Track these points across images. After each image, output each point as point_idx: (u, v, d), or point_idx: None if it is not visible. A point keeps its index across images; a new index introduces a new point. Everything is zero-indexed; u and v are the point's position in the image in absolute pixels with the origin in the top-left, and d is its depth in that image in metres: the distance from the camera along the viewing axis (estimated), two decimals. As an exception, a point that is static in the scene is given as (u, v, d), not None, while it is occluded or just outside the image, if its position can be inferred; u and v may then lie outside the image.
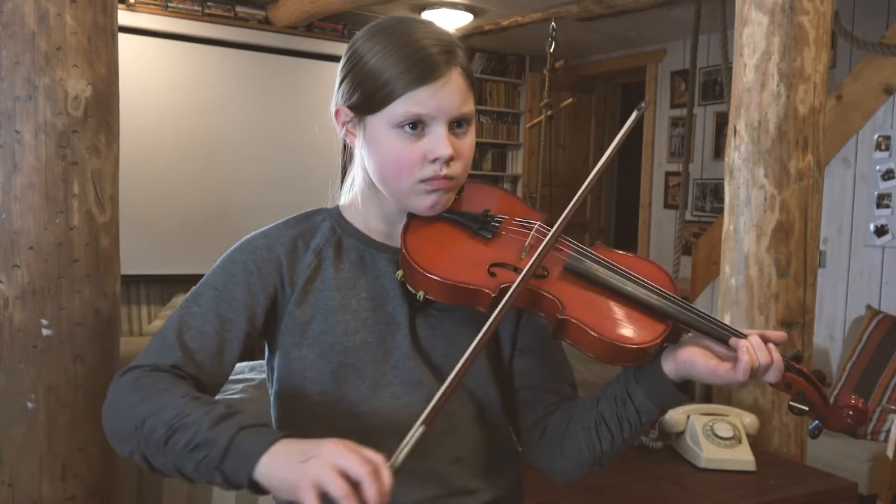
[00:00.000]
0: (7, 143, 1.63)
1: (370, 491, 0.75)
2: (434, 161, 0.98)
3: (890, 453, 2.82)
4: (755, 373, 0.93)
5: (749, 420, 2.09)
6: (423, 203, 1.02)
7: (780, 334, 0.97)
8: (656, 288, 1.00)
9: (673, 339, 0.99)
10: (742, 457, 1.98)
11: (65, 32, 1.64)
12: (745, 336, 0.96)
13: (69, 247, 1.67)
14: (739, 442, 2.01)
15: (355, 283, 1.06)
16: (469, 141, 1.02)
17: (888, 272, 4.03)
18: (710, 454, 1.98)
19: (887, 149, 4.01)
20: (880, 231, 4.04)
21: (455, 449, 1.05)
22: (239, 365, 2.14)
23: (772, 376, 0.95)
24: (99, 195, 1.71)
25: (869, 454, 3.20)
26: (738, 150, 2.28)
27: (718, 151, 5.64)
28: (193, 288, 1.05)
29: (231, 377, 2.04)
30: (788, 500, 1.85)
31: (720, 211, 4.14)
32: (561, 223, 0.99)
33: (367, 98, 0.99)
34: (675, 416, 2.07)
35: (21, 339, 1.64)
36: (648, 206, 6.31)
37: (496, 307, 0.96)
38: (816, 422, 0.99)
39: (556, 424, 1.09)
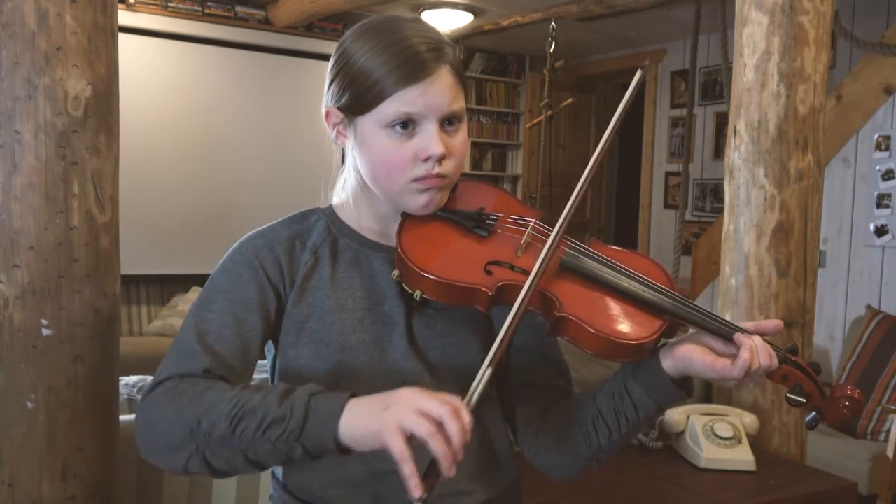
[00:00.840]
0: (7, 143, 1.63)
1: (453, 428, 0.78)
2: (426, 160, 0.98)
3: (890, 453, 2.82)
4: (752, 373, 0.94)
5: (749, 420, 2.09)
6: (417, 202, 1.02)
7: (775, 323, 0.98)
8: (653, 283, 1.00)
9: (671, 334, 0.99)
10: (742, 457, 1.98)
11: (65, 32, 1.64)
12: (741, 330, 0.96)
13: (69, 247, 1.67)
14: (739, 442, 2.01)
15: (351, 282, 1.06)
16: (461, 138, 1.02)
17: (888, 272, 4.03)
18: (710, 454, 1.98)
19: (887, 149, 4.01)
20: (880, 231, 4.04)
21: None
22: (239, 365, 2.14)
23: (765, 362, 0.95)
24: (99, 195, 1.71)
25: (869, 454, 3.20)
26: (738, 150, 2.28)
27: (718, 151, 5.64)
28: (199, 295, 1.04)
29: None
30: (788, 500, 1.85)
31: (720, 211, 4.14)
32: (564, 221, 0.99)
33: (356, 99, 0.99)
34: (675, 416, 2.06)
35: (21, 339, 1.64)
36: (648, 206, 6.31)
37: (495, 305, 0.96)
38: (814, 413, 1.00)
39: (552, 420, 1.09)
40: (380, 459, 1.02)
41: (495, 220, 1.06)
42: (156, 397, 0.92)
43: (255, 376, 2.00)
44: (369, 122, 0.99)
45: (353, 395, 0.86)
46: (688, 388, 1.01)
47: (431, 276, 0.98)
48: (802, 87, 2.19)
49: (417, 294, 1.00)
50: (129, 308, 5.04)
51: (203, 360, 0.94)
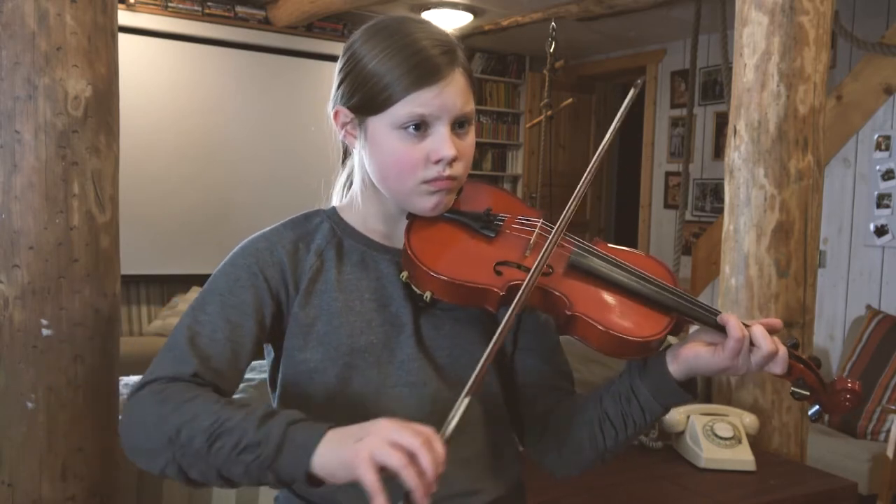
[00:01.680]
0: (7, 143, 1.63)
1: (425, 460, 0.77)
2: (437, 162, 0.99)
3: (890, 453, 2.82)
4: (761, 360, 0.95)
5: (749, 420, 2.09)
6: (426, 204, 1.02)
7: (775, 321, 0.99)
8: (659, 282, 1.01)
9: (677, 332, 1.01)
10: (742, 457, 1.98)
11: (65, 32, 1.64)
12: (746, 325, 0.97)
13: (69, 247, 1.67)
14: (739, 442, 2.01)
15: (358, 284, 1.05)
16: (470, 141, 1.03)
17: (888, 272, 4.03)
18: (710, 454, 1.98)
19: (887, 149, 4.01)
20: (880, 231, 4.04)
21: (461, 449, 1.04)
22: (239, 365, 2.14)
23: (777, 367, 0.96)
24: (99, 195, 1.71)
25: (869, 454, 3.20)
26: (738, 150, 2.28)
27: (718, 151, 5.64)
28: (196, 296, 1.03)
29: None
30: (788, 500, 1.85)
31: (720, 211, 4.14)
32: (565, 218, 0.99)
33: (368, 100, 0.99)
34: (675, 416, 2.07)
35: (21, 339, 1.64)
36: (648, 206, 6.31)
37: (504, 305, 0.96)
38: (817, 406, 1.02)
39: (556, 420, 1.10)
40: None
41: (502, 220, 1.07)
42: (141, 399, 0.92)
43: (255, 377, 2.01)
44: (381, 123, 0.99)
45: (332, 427, 0.84)
46: (692, 389, 1.02)
47: (442, 277, 0.98)
48: (802, 87, 2.19)
49: (427, 295, 1.00)
50: (129, 308, 5.04)
51: (192, 364, 0.94)
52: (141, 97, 4.80)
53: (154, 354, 0.99)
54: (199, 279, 4.67)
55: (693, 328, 1.02)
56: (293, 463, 0.83)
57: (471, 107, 1.01)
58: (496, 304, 0.98)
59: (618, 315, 0.98)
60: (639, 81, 1.05)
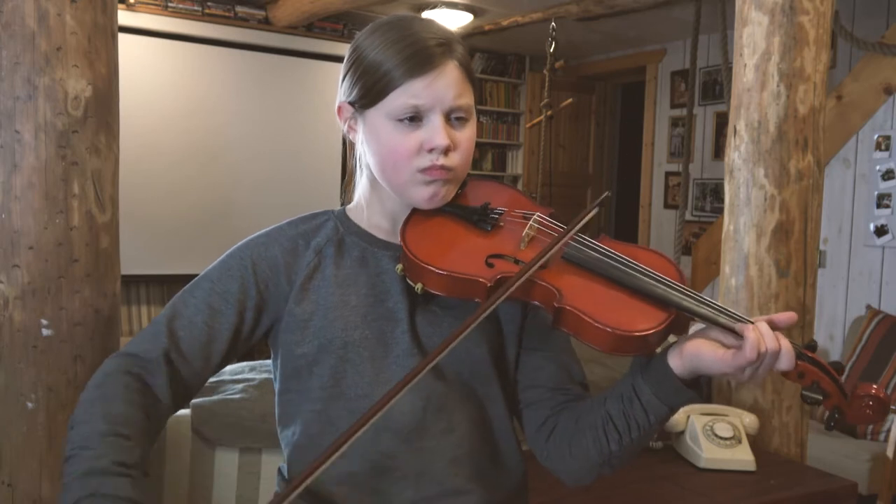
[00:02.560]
0: (7, 143, 1.63)
1: None
2: (431, 151, 1.00)
3: (890, 453, 2.82)
4: (763, 358, 0.89)
5: (749, 420, 2.09)
6: (422, 194, 1.03)
7: (788, 315, 0.93)
8: (659, 276, 0.97)
9: (677, 328, 0.96)
10: (742, 457, 1.98)
11: (65, 32, 1.64)
12: (750, 322, 0.92)
13: (69, 247, 1.67)
14: (739, 442, 2.01)
15: (356, 279, 1.06)
16: (468, 134, 1.03)
17: (888, 272, 4.03)
18: (710, 454, 1.97)
19: (887, 149, 4.01)
20: (880, 231, 4.04)
21: (452, 448, 1.04)
22: (239, 365, 2.14)
23: (784, 363, 0.90)
24: (99, 195, 1.71)
25: (869, 454, 3.20)
26: (738, 150, 2.28)
27: (718, 151, 5.64)
28: (193, 279, 1.08)
29: (231, 377, 2.04)
30: (788, 500, 1.85)
31: (720, 211, 4.14)
32: (572, 229, 0.98)
33: (366, 91, 1.01)
34: (675, 415, 2.06)
35: (21, 339, 1.64)
36: (648, 206, 6.31)
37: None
38: (834, 413, 0.94)
39: (564, 424, 1.08)
40: (382, 455, 1.02)
41: (500, 214, 1.06)
42: (97, 376, 0.98)
43: (255, 377, 2.01)
44: (378, 115, 1.01)
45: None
46: (699, 389, 0.97)
47: (430, 267, 0.98)
48: (802, 87, 2.19)
49: (419, 287, 1.00)
50: (129, 308, 5.04)
51: (163, 343, 1.00)
52: (141, 97, 4.79)
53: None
54: (199, 279, 4.64)
55: (696, 326, 0.97)
56: None
57: (466, 100, 1.02)
58: (485, 295, 0.97)
59: (611, 309, 0.95)
60: (606, 194, 1.06)
